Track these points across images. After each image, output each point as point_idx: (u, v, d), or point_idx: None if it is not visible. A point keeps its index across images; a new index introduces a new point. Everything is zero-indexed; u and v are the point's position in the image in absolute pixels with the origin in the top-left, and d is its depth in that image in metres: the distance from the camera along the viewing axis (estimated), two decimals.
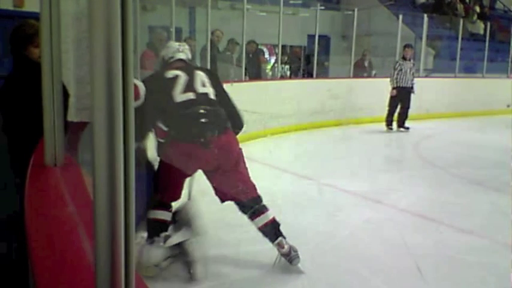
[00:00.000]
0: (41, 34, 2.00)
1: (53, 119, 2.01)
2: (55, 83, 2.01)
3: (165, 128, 3.53)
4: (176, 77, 3.59)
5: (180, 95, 3.53)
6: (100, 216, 0.86)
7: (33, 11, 4.12)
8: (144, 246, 3.44)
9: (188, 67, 3.75)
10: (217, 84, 3.76)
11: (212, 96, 3.61)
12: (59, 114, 2.03)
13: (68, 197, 1.68)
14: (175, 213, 3.73)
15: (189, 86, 3.57)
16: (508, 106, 10.82)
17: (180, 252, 3.41)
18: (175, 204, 3.80)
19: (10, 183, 3.13)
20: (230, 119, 3.66)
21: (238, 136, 3.73)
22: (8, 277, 2.87)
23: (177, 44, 3.95)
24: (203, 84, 3.63)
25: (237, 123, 3.76)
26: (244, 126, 3.81)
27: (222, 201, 3.66)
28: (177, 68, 3.71)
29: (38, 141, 2.41)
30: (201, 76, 3.67)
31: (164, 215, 3.64)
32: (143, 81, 3.62)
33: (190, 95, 3.54)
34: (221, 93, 3.77)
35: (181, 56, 3.84)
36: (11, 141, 3.14)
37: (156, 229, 3.57)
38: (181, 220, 3.74)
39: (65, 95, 3.15)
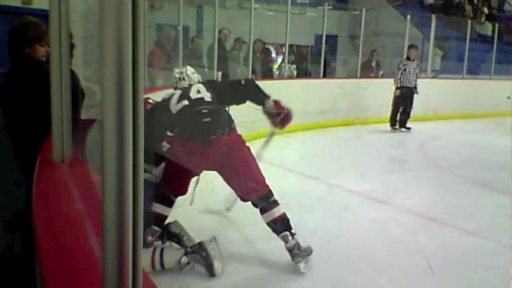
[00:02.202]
0: (50, 32, 2.01)
1: (61, 116, 2.02)
2: (63, 81, 2.02)
3: (170, 134, 3.71)
4: (171, 95, 3.77)
5: (175, 106, 3.69)
6: (108, 213, 0.87)
7: (41, 8, 4.13)
8: (162, 248, 3.55)
9: (186, 87, 3.85)
10: (216, 88, 3.88)
11: (208, 98, 3.72)
12: (67, 111, 2.04)
13: (76, 194, 1.69)
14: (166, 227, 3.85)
15: (184, 96, 3.72)
16: (509, 98, 10.79)
17: (197, 250, 3.50)
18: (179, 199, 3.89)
19: (14, 181, 3.15)
20: (250, 96, 3.81)
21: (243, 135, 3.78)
22: (15, 274, 2.89)
23: (178, 72, 3.98)
24: (197, 91, 3.75)
25: (259, 97, 3.84)
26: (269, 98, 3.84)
27: (243, 200, 3.72)
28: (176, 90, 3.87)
29: (41, 138, 2.42)
30: (196, 87, 3.80)
31: (164, 210, 3.78)
32: (151, 109, 3.81)
33: (185, 102, 3.68)
34: (227, 89, 3.93)
35: (183, 84, 3.90)
36: (13, 138, 3.15)
37: (157, 222, 3.73)
38: (170, 234, 3.86)
39: (82, 95, 3.18)
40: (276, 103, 3.81)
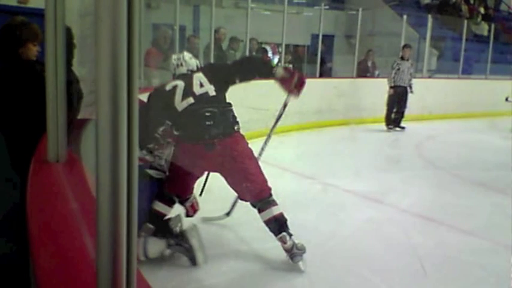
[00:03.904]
0: (46, 31, 2.01)
1: (56, 116, 2.02)
2: (59, 80, 2.01)
3: (176, 133, 3.71)
4: (174, 87, 3.71)
5: (180, 104, 3.65)
6: (102, 213, 0.86)
7: (37, 7, 4.12)
8: (145, 239, 3.60)
9: (187, 75, 3.80)
10: (218, 73, 3.83)
11: (212, 93, 3.68)
12: (61, 110, 2.03)
13: (70, 194, 1.69)
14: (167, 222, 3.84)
15: (187, 92, 3.67)
16: (507, 99, 10.81)
17: (179, 241, 3.59)
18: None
19: (7, 180, 3.15)
20: (257, 69, 3.82)
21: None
22: (8, 274, 2.88)
23: (175, 58, 3.93)
24: (201, 84, 3.70)
25: (267, 67, 3.85)
26: (276, 69, 3.76)
27: (242, 200, 3.77)
28: (177, 78, 3.81)
29: (35, 138, 2.42)
30: (198, 77, 3.74)
31: (164, 209, 3.79)
32: (149, 96, 3.80)
33: (190, 100, 3.64)
34: (232, 68, 3.92)
35: (181, 70, 3.85)
36: (7, 138, 3.15)
37: (153, 219, 3.74)
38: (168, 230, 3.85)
39: (79, 95, 3.17)
40: (286, 69, 3.77)
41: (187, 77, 3.76)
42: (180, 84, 3.70)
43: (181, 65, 3.86)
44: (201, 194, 4.23)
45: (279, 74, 3.69)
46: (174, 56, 3.98)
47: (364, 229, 4.47)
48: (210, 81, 3.71)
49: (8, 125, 3.13)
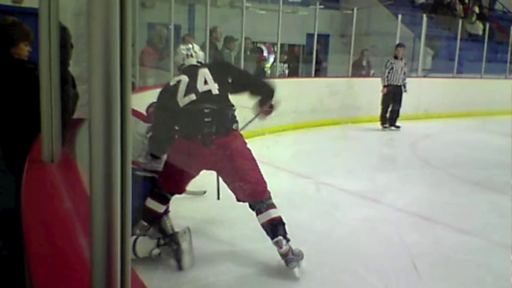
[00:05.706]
0: (40, 30, 2.00)
1: (51, 115, 2.01)
2: (53, 80, 2.01)
3: (177, 128, 3.72)
4: (178, 82, 3.68)
5: (182, 99, 3.63)
6: (96, 212, 0.86)
7: (32, 7, 4.11)
8: (135, 237, 3.59)
9: (193, 69, 3.76)
10: (224, 74, 3.79)
11: (215, 91, 3.64)
12: (56, 110, 2.03)
13: (65, 193, 1.68)
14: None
15: (191, 88, 3.64)
16: None
17: (169, 242, 3.56)
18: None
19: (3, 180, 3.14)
20: (258, 91, 3.82)
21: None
22: (4, 273, 2.87)
23: (185, 48, 3.87)
24: (205, 81, 3.67)
25: (264, 93, 3.84)
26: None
27: (239, 201, 3.70)
28: (182, 73, 3.77)
29: (30, 138, 2.41)
30: (203, 74, 3.70)
31: (157, 207, 3.76)
32: (159, 93, 3.78)
33: (192, 96, 3.62)
34: (234, 78, 3.84)
35: (191, 61, 3.82)
36: (1, 138, 3.14)
37: (147, 217, 3.74)
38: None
39: (75, 95, 3.17)
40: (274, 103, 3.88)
41: (193, 71, 3.72)
42: (184, 79, 3.68)
43: (192, 55, 3.82)
44: (218, 198, 4.23)
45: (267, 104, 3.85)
46: (182, 46, 3.91)
47: (360, 228, 4.47)
48: (215, 80, 3.68)
49: (1, 125, 3.12)
